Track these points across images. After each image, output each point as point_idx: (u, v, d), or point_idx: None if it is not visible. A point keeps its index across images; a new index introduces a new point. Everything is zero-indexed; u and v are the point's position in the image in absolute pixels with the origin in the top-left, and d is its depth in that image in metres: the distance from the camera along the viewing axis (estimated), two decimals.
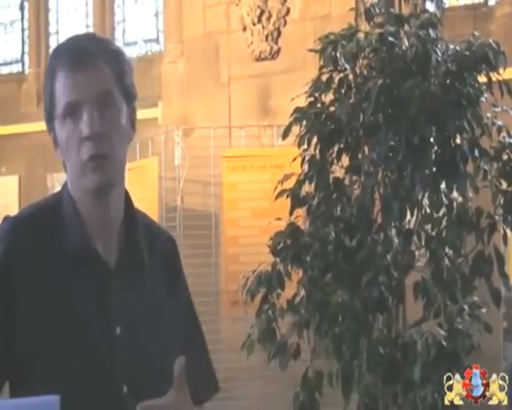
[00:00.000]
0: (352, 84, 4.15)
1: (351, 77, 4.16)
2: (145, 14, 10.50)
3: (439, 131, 4.02)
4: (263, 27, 8.08)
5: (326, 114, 4.14)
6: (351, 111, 4.06)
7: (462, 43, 4.12)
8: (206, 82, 8.29)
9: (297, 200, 4.18)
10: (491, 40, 4.12)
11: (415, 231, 4.12)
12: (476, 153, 4.03)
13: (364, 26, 4.58)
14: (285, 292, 4.19)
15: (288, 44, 8.02)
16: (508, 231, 4.08)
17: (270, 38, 8.08)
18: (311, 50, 4.48)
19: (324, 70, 4.18)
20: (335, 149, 4.18)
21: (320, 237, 4.10)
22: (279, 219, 4.20)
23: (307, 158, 4.16)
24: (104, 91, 1.83)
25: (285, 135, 4.16)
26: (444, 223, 4.10)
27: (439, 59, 4.01)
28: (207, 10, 8.42)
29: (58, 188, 1.97)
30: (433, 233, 4.11)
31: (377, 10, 4.27)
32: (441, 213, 4.10)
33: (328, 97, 4.21)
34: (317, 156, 4.15)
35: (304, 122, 4.14)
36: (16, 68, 11.37)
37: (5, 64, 11.41)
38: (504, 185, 4.09)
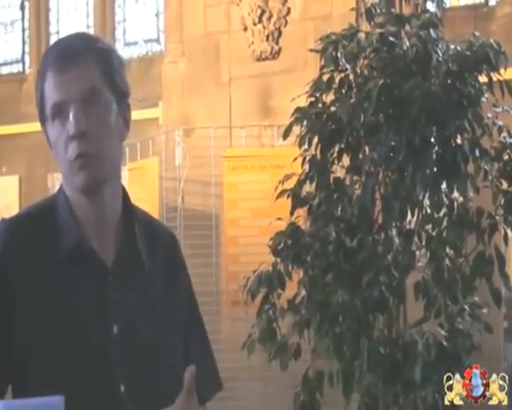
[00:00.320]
0: (353, 84, 4.15)
1: (351, 77, 4.15)
2: (146, 14, 10.50)
3: (439, 131, 4.02)
4: (263, 27, 8.08)
5: (327, 114, 4.14)
6: (351, 111, 4.05)
7: (463, 43, 4.11)
8: (206, 82, 8.29)
9: (298, 200, 4.17)
10: (491, 40, 4.12)
11: (415, 231, 4.12)
12: (477, 153, 4.03)
13: (365, 26, 4.57)
14: (286, 292, 4.18)
15: (288, 44, 8.02)
16: (508, 231, 4.08)
17: (270, 37, 8.08)
18: (311, 50, 4.48)
19: (325, 70, 4.17)
20: (336, 149, 4.18)
21: (321, 237, 4.10)
22: (280, 219, 4.20)
23: (308, 158, 4.16)
24: (90, 89, 1.81)
25: (286, 135, 4.16)
26: (444, 223, 4.09)
27: (440, 59, 4.01)
28: (208, 10, 8.42)
29: None
30: (434, 233, 4.11)
31: (378, 10, 4.27)
32: (442, 214, 4.10)
33: (329, 97, 4.20)
34: (318, 156, 4.15)
35: (304, 122, 4.14)
36: (17, 68, 11.37)
37: (5, 64, 11.41)
38: (505, 185, 4.09)
